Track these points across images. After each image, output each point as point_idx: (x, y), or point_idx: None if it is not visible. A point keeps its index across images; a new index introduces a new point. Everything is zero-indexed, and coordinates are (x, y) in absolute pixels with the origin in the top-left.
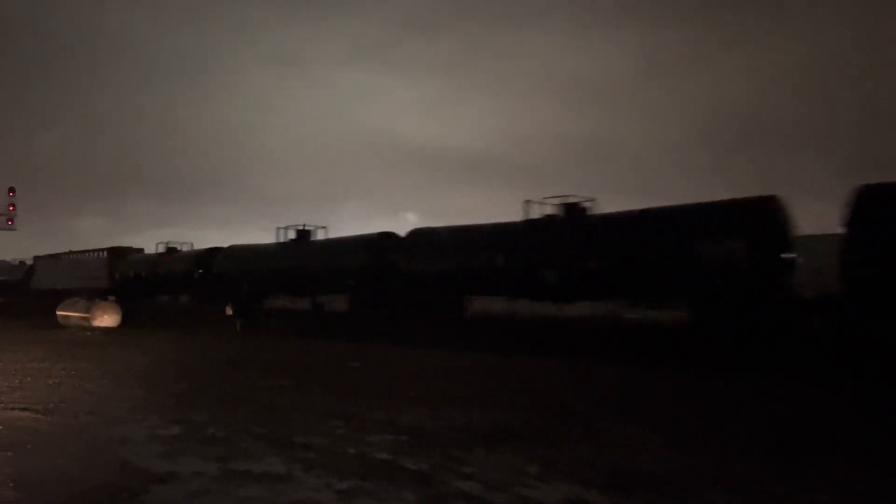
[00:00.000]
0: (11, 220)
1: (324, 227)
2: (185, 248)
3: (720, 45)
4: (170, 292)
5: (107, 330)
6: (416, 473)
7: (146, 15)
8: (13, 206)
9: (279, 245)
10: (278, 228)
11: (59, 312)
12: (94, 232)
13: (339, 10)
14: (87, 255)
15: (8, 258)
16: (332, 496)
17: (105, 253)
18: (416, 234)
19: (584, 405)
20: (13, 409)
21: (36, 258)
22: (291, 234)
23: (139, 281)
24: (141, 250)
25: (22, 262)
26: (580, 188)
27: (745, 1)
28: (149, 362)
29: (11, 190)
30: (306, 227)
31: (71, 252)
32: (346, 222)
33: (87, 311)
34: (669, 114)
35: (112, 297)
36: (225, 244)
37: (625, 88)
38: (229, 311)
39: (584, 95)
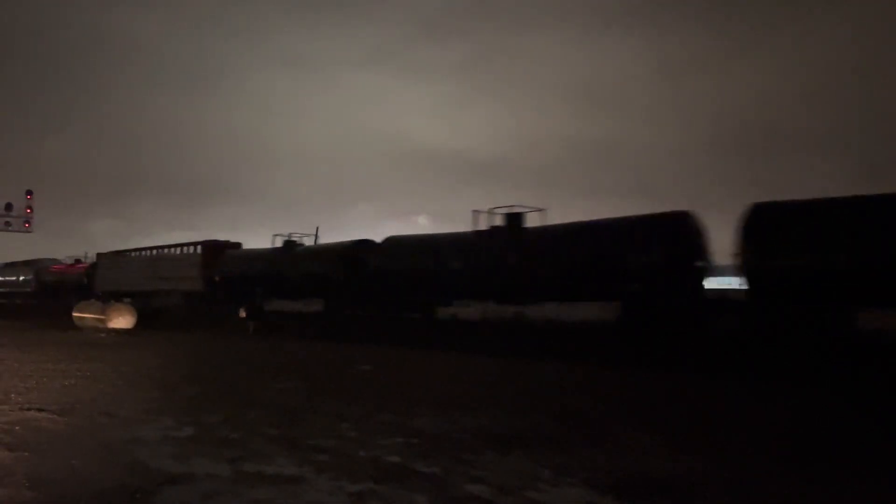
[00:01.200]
0: (28, 222)
1: (542, 209)
2: (306, 242)
3: (730, 50)
4: (296, 296)
5: (121, 332)
6: (428, 476)
7: (156, 19)
8: (30, 208)
9: (477, 234)
10: (475, 212)
11: (74, 314)
12: (105, 234)
13: (351, 14)
14: (167, 251)
15: (59, 255)
16: (345, 499)
17: (198, 248)
18: (770, 211)
19: (595, 409)
20: (29, 409)
21: (99, 255)
22: (497, 221)
23: (248, 282)
24: (238, 245)
25: (78, 260)
26: (589, 191)
27: (754, 6)
28: (162, 364)
29: (29, 193)
30: (519, 211)
31: (143, 248)
32: (356, 225)
33: (102, 313)
34: (679, 117)
35: (124, 303)
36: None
37: (635, 92)
38: (242, 314)
39: (595, 99)
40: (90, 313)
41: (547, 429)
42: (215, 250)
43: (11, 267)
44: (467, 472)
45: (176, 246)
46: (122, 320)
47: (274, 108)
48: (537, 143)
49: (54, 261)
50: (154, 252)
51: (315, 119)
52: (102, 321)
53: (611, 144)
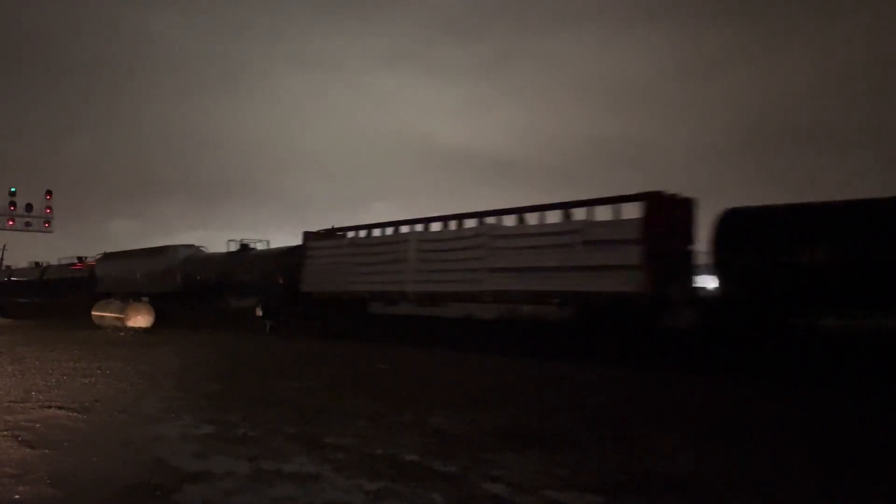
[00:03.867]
0: (48, 222)
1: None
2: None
3: (750, 49)
4: None
5: (140, 330)
6: (445, 475)
7: (175, 20)
8: (50, 208)
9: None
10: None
11: (94, 313)
12: (123, 234)
13: (373, 16)
14: (519, 219)
15: (193, 241)
16: (362, 497)
17: (630, 208)
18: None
19: (614, 409)
20: (50, 407)
21: (307, 235)
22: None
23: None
24: (690, 201)
25: (245, 246)
26: (615, 190)
27: (774, 5)
28: (181, 363)
29: (48, 193)
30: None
31: (411, 220)
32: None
33: (121, 312)
34: (700, 117)
35: (142, 301)
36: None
37: (656, 90)
38: (259, 313)
39: (616, 98)
40: (110, 312)
41: (565, 428)
42: (677, 211)
43: (120, 258)
44: (485, 471)
45: (536, 209)
46: (140, 319)
47: (293, 108)
48: (558, 142)
49: (192, 247)
50: (473, 224)
51: (334, 119)
52: (121, 320)
53: (632, 144)
